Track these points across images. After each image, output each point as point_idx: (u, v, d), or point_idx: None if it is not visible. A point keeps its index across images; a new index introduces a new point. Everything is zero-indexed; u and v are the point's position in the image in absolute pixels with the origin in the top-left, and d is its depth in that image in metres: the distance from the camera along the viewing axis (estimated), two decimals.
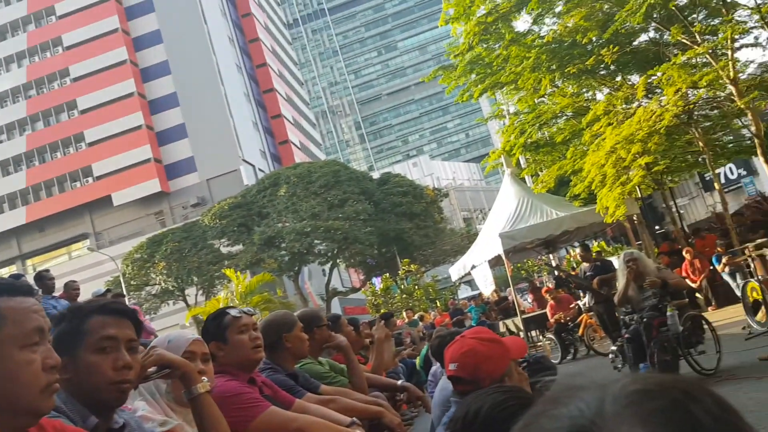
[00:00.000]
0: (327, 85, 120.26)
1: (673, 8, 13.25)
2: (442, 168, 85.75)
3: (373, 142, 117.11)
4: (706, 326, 6.84)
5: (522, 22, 17.34)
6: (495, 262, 16.55)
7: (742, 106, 12.83)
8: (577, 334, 11.22)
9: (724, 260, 12.10)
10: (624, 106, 14.99)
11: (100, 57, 56.61)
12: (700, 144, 14.56)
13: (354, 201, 40.24)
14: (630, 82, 16.00)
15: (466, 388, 1.90)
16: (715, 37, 13.56)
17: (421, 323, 16.41)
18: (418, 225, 42.24)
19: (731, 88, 12.90)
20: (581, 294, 11.43)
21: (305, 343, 3.63)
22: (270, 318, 3.70)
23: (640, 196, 16.63)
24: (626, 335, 6.41)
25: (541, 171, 18.29)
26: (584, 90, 17.24)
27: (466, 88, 17.44)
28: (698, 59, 13.59)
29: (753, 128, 13.41)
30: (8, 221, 55.77)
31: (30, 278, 8.63)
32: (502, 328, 15.82)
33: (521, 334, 14.32)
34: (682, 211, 35.62)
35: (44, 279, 8.04)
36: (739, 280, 11.47)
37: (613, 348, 7.08)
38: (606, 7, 14.67)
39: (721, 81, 12.97)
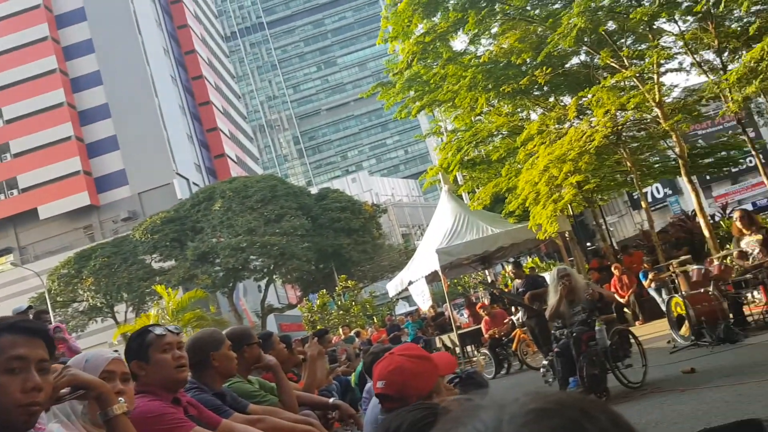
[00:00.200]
0: (265, 99, 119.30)
1: (603, 33, 13.74)
2: (381, 184, 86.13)
3: (311, 157, 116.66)
4: (633, 340, 7.02)
5: (459, 42, 17.68)
6: (432, 278, 16.64)
7: (667, 128, 13.37)
8: (511, 349, 11.36)
9: (650, 276, 12.51)
10: (556, 126, 15.42)
11: (28, 65, 54.60)
12: (628, 164, 15.08)
13: (291, 216, 39.87)
14: (562, 103, 16.48)
15: (393, 406, 1.86)
16: (642, 62, 14.12)
17: (357, 339, 16.31)
18: (356, 241, 42.17)
19: (657, 110, 13.43)
20: (515, 310, 11.60)
21: (233, 362, 3.53)
22: (197, 336, 3.59)
23: (571, 213, 17.09)
24: (556, 349, 6.51)
25: (478, 188, 18.60)
26: (519, 109, 17.66)
27: (405, 105, 17.61)
28: (626, 82, 14.10)
29: (677, 149, 13.98)
30: None
31: None
32: (438, 344, 15.89)
33: (457, 349, 14.41)
34: (611, 229, 36.85)
35: None
36: (664, 296, 11.87)
37: (544, 362, 7.18)
38: (539, 30, 15.09)
39: (647, 104, 13.49)
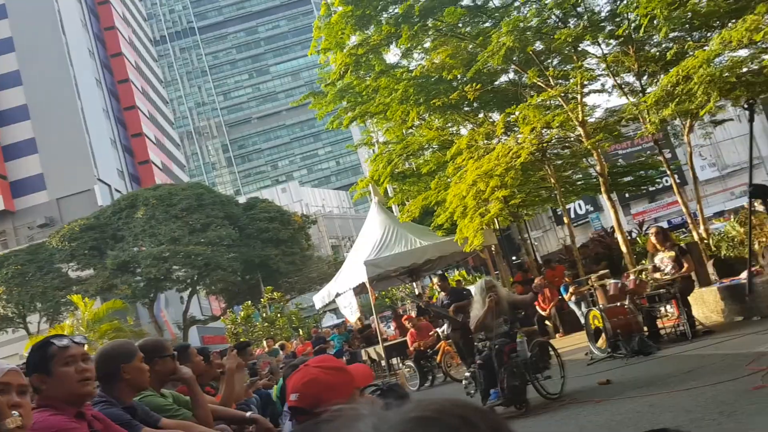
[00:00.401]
0: (194, 106, 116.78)
1: (531, 53, 14.11)
2: (311, 195, 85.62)
3: (240, 165, 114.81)
4: (552, 352, 7.16)
5: (392, 55, 17.82)
6: (360, 290, 16.60)
7: (589, 147, 13.83)
8: (436, 361, 11.42)
9: (570, 290, 12.85)
10: (485, 141, 15.72)
11: None
12: (552, 180, 15.50)
13: (217, 226, 39.07)
14: (491, 119, 16.83)
15: (307, 419, 1.79)
16: (566, 82, 14.58)
17: (281, 352, 16.04)
18: (284, 252, 41.66)
19: (580, 129, 13.88)
20: (440, 322, 11.67)
21: (145, 374, 3.39)
22: (107, 347, 3.43)
23: (498, 227, 17.41)
24: (479, 361, 6.56)
25: (408, 200, 18.72)
26: (449, 124, 17.92)
27: (337, 116, 17.58)
28: (552, 101, 14.52)
29: (598, 167, 14.47)
30: None
31: None
32: (364, 356, 15.82)
33: (382, 362, 14.39)
34: (536, 243, 37.84)
35: None
36: (583, 309, 12.20)
37: (467, 374, 7.23)
38: (470, 47, 15.38)
39: (571, 123, 13.93)
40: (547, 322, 13.96)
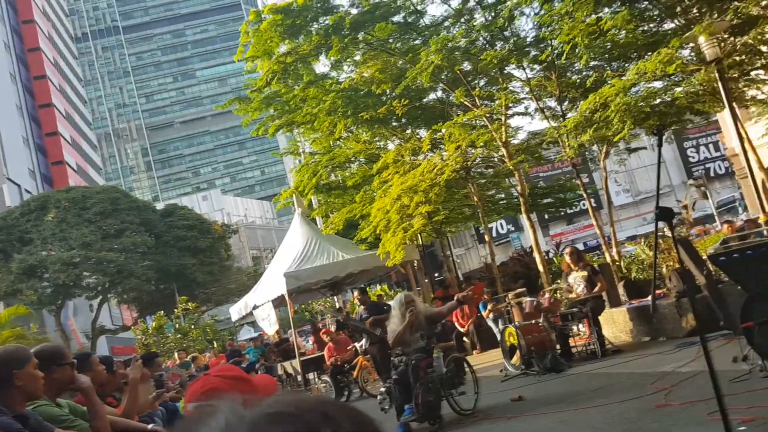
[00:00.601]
0: (114, 107, 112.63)
1: (458, 72, 14.36)
2: (233, 204, 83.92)
3: (160, 171, 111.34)
4: (467, 368, 7.19)
5: (322, 65, 17.74)
6: (279, 303, 16.27)
7: (511, 167, 14.15)
8: (353, 376, 11.29)
9: (489, 307, 13.03)
10: (411, 157, 15.83)
11: None
12: (476, 198, 15.76)
13: (132, 232, 37.72)
14: (418, 136, 16.97)
15: None
16: (492, 103, 14.89)
17: (193, 365, 15.50)
18: (202, 261, 40.60)
19: (503, 150, 14.18)
20: (359, 336, 11.57)
21: (39, 382, 3.19)
22: None
23: (421, 243, 17.53)
24: (395, 376, 6.50)
25: (332, 213, 18.58)
26: (377, 138, 17.95)
27: (263, 123, 17.30)
28: (477, 121, 14.79)
29: (519, 188, 14.82)
30: None
31: None
32: (280, 370, 15.52)
33: (299, 376, 14.14)
34: (458, 261, 38.38)
35: None
36: (500, 326, 12.38)
37: (382, 389, 7.16)
38: (400, 63, 15.49)
39: (495, 143, 14.22)
40: (465, 339, 14.10)
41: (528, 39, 14.54)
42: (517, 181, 14.82)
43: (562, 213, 32.68)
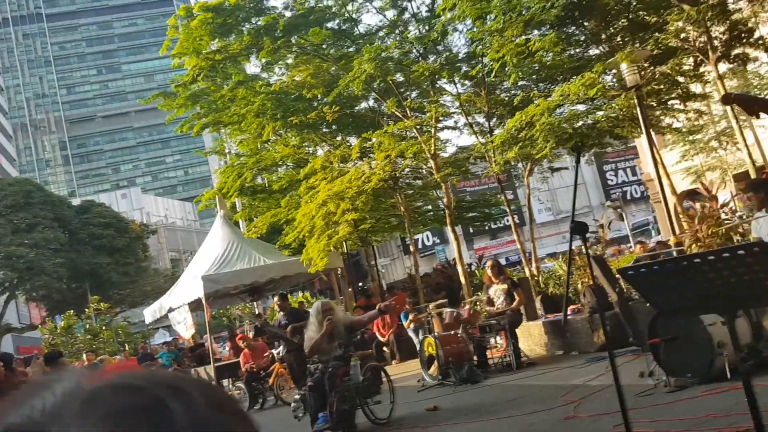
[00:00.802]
0: (33, 96, 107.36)
1: (391, 82, 14.41)
2: (154, 203, 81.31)
3: (78, 165, 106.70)
4: (384, 377, 7.14)
5: (253, 66, 17.41)
6: (196, 306, 15.77)
7: (439, 180, 14.29)
8: (269, 383, 11.06)
9: (410, 317, 13.06)
10: (340, 164, 15.75)
11: None
12: (402, 209, 15.81)
13: (45, 227, 36.01)
14: (348, 143, 16.91)
15: None
16: (422, 115, 15.02)
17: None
18: (117, 261, 39.17)
19: (431, 162, 14.31)
20: (277, 343, 11.35)
21: None
22: None
23: (346, 251, 17.44)
24: (310, 384, 6.39)
25: (256, 216, 18.23)
26: (306, 143, 17.77)
27: (188, 120, 16.83)
28: (407, 132, 14.88)
29: (445, 200, 14.99)
30: None
31: None
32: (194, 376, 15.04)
33: (213, 382, 13.75)
34: (383, 271, 38.47)
35: None
36: (420, 336, 12.43)
37: (296, 396, 7.02)
38: (332, 69, 15.42)
39: (423, 155, 14.33)
40: (385, 348, 14.07)
41: (460, 54, 14.78)
42: (444, 193, 14.98)
43: (487, 227, 33.31)
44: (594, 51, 13.15)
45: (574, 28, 12.67)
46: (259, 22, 14.60)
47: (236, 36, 14.97)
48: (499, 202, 17.68)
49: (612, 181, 47.24)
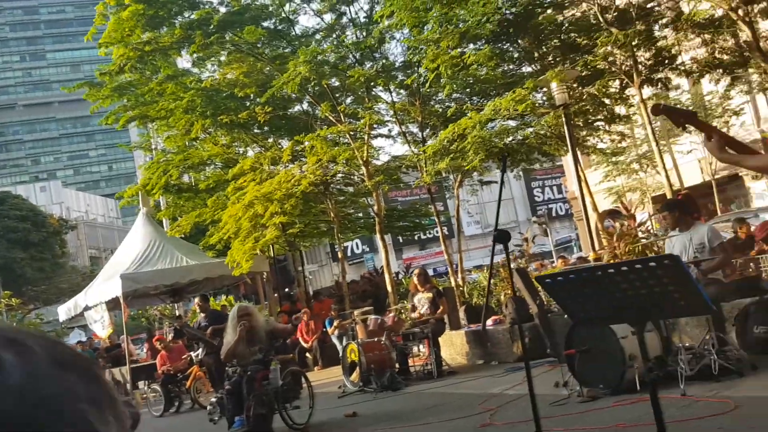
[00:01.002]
0: None
1: (326, 86, 14.33)
2: (75, 198, 78.11)
3: None
4: (305, 383, 7.05)
5: (185, 61, 16.97)
6: (114, 305, 15.18)
7: (370, 187, 14.29)
8: (185, 386, 10.74)
9: (335, 323, 12.96)
10: (271, 166, 15.52)
11: None
12: (332, 214, 15.71)
13: None
14: (280, 145, 16.70)
15: None
16: (356, 121, 14.99)
17: None
18: (33, 256, 37.45)
19: (363, 169, 14.30)
20: (196, 346, 11.05)
21: None
22: None
23: (273, 255, 17.18)
24: (227, 387, 6.23)
25: (180, 215, 17.74)
26: (236, 143, 17.43)
27: (114, 112, 16.23)
28: (340, 138, 14.81)
29: (376, 208, 15.00)
30: None
31: None
32: (108, 377, 14.46)
33: (128, 384, 13.27)
34: (311, 277, 38.17)
35: None
36: (344, 342, 12.35)
37: (213, 400, 6.83)
38: (267, 69, 15.22)
39: (356, 161, 14.30)
40: (307, 354, 13.93)
41: (396, 63, 14.86)
42: (375, 201, 14.98)
43: (416, 238, 33.59)
44: (527, 68, 13.49)
45: (508, 44, 12.96)
46: (192, 16, 14.26)
47: (168, 29, 14.57)
48: (429, 213, 17.83)
49: (539, 197, 48.51)
